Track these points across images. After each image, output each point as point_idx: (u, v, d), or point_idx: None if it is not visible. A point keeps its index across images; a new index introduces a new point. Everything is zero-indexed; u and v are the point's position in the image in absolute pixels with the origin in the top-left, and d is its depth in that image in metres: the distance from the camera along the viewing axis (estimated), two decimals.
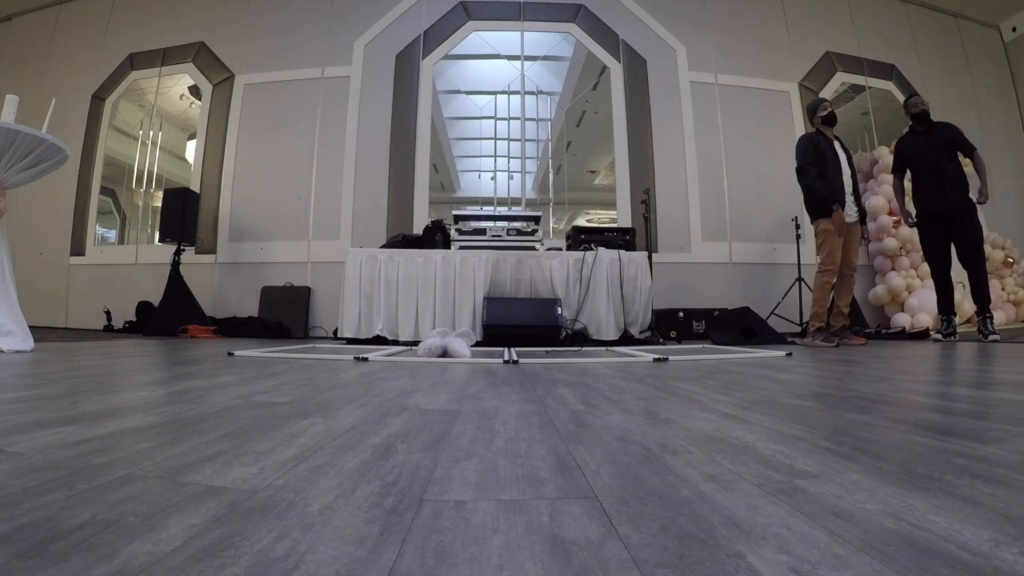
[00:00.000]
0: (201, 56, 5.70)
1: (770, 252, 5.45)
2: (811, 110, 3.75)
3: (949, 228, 3.69)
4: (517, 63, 5.83)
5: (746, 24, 6.02)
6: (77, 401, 1.13)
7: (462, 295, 3.80)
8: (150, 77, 5.88)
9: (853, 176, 3.66)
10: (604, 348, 3.41)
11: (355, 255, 3.87)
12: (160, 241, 4.86)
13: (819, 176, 3.49)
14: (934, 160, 3.71)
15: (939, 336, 3.83)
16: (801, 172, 3.59)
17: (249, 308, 5.09)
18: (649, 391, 1.39)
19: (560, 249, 4.20)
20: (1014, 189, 6.60)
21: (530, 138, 5.96)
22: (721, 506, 0.52)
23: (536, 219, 4.28)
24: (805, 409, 1.09)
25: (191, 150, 5.74)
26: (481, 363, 2.25)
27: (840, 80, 6.14)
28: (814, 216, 3.58)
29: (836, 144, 3.63)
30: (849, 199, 3.59)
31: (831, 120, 3.65)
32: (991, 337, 3.49)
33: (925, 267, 5.33)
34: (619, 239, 4.29)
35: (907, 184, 4.06)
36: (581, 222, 5.76)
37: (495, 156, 6.07)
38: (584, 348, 3.36)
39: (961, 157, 3.76)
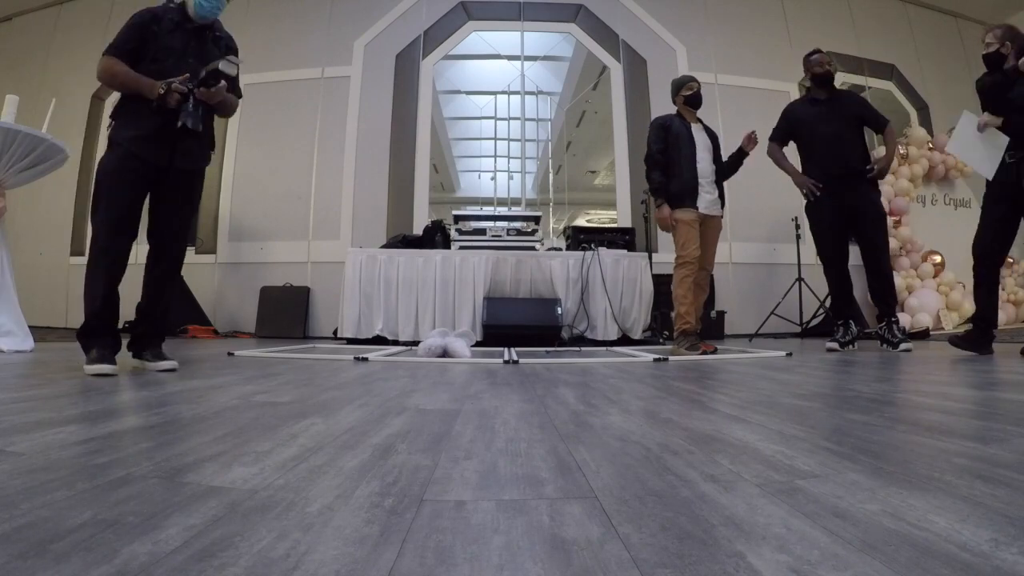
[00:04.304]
0: None
1: (770, 252, 5.45)
2: (676, 87, 3.23)
3: (846, 206, 3.08)
4: (517, 63, 5.83)
5: (746, 24, 6.01)
6: (77, 401, 1.13)
7: (462, 295, 3.80)
8: None
9: (718, 162, 3.15)
10: (604, 348, 3.41)
11: (355, 255, 3.87)
12: None
13: (660, 167, 3.03)
14: (834, 131, 3.11)
15: (835, 346, 3.07)
16: (646, 161, 3.14)
17: (248, 308, 5.09)
18: (649, 391, 1.39)
19: (560, 249, 4.20)
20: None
21: (530, 138, 5.96)
22: (721, 506, 0.52)
23: (536, 219, 4.27)
24: (805, 409, 1.09)
25: None
26: (481, 363, 2.25)
27: (840, 80, 6.11)
28: (669, 205, 3.03)
29: (697, 128, 3.15)
30: (709, 189, 3.05)
31: (695, 101, 3.16)
32: (902, 346, 2.91)
33: (925, 267, 5.33)
34: (619, 239, 4.29)
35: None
36: (581, 222, 5.76)
37: (495, 156, 6.07)
38: (584, 348, 3.36)
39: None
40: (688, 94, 3.15)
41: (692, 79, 3.20)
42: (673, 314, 3.09)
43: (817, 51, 3.25)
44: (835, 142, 3.09)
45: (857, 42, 6.25)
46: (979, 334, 2.52)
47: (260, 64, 5.60)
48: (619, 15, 5.83)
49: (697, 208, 3.01)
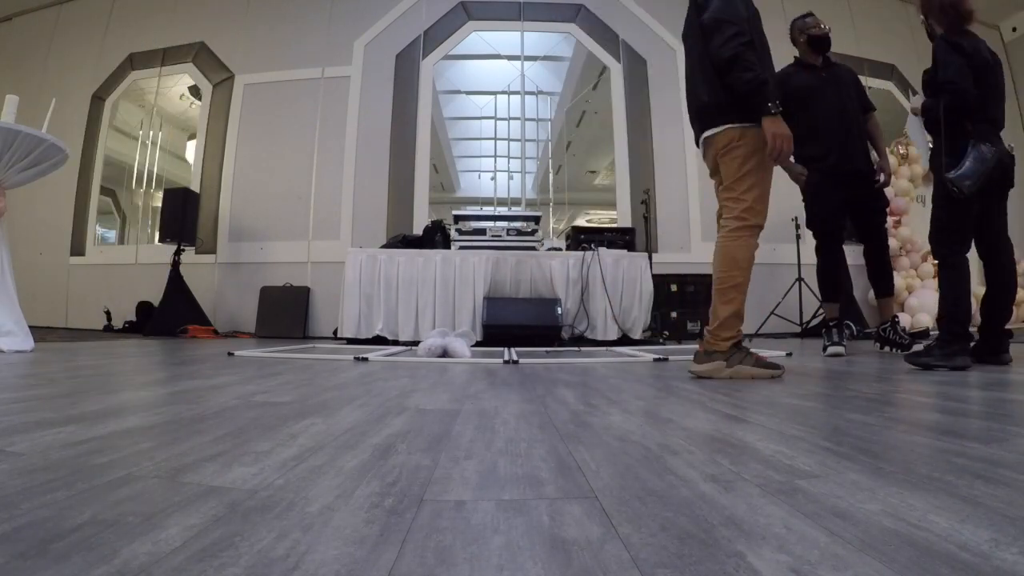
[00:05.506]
0: (201, 56, 5.70)
1: (770, 252, 5.43)
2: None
3: (850, 196, 2.65)
4: (517, 63, 5.83)
5: None
6: (77, 401, 1.13)
7: (462, 295, 3.80)
8: (150, 77, 5.87)
9: None
10: (604, 348, 3.40)
11: (355, 255, 3.87)
12: (160, 241, 4.85)
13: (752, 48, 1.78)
14: (842, 105, 2.65)
15: (840, 350, 2.52)
16: (720, 29, 1.76)
17: (248, 308, 5.09)
18: (649, 391, 1.39)
19: (560, 249, 4.20)
20: (1014, 190, 6.59)
21: (530, 138, 5.96)
22: (721, 506, 0.52)
23: (536, 219, 4.27)
24: (805, 409, 1.08)
25: (191, 150, 5.74)
26: (481, 363, 2.24)
27: None
28: (735, 119, 1.90)
29: None
30: None
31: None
32: (915, 348, 2.33)
33: (925, 267, 5.32)
34: (619, 239, 4.29)
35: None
36: (581, 222, 5.76)
37: (495, 156, 6.07)
38: (584, 348, 3.36)
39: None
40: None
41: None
42: (712, 321, 1.79)
43: (810, 13, 2.79)
44: (845, 120, 2.64)
45: (857, 42, 6.25)
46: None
47: (260, 64, 5.61)
48: (619, 15, 5.82)
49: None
